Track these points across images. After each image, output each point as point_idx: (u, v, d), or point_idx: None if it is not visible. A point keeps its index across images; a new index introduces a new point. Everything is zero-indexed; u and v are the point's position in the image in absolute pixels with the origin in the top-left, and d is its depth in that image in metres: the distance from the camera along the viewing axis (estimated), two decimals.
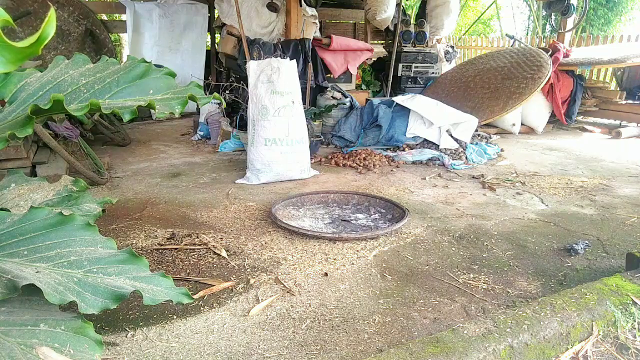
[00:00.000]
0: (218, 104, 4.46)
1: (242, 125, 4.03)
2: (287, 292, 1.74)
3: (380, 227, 2.42)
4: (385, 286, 1.79)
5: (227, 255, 2.03)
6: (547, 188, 3.08)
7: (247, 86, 3.30)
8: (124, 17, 6.18)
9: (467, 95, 5.25)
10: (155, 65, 1.18)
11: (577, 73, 5.53)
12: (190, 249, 2.10)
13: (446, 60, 6.43)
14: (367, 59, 5.29)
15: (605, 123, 5.74)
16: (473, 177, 3.35)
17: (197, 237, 2.21)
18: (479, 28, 13.17)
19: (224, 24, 5.05)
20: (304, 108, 3.41)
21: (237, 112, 4.22)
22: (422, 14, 6.52)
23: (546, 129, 5.30)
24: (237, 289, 1.76)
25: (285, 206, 2.64)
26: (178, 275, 1.85)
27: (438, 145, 3.90)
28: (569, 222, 2.47)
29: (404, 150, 3.94)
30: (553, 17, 6.78)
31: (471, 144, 3.98)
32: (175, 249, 2.10)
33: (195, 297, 1.66)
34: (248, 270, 1.91)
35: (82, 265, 1.11)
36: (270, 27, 4.93)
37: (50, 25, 0.61)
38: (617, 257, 2.05)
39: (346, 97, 4.59)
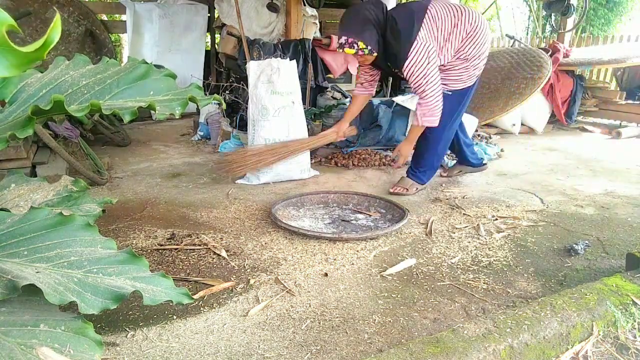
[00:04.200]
0: (218, 104, 4.46)
1: (242, 126, 4.03)
2: (287, 292, 1.74)
3: (380, 227, 2.42)
4: (385, 286, 1.79)
5: (227, 256, 2.03)
6: (547, 188, 3.08)
7: (247, 86, 3.30)
8: (124, 17, 6.18)
9: None
10: (156, 65, 1.18)
11: (577, 73, 5.53)
12: (190, 249, 2.10)
13: None
14: None
15: (605, 123, 5.74)
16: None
17: (197, 237, 2.21)
18: None
19: (224, 24, 5.05)
20: (304, 108, 3.41)
21: (237, 113, 4.21)
22: None
23: (546, 129, 5.30)
24: (237, 289, 1.76)
25: (286, 206, 2.64)
26: (178, 276, 1.85)
27: None
28: (569, 222, 2.47)
29: None
30: (553, 17, 6.78)
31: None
32: (175, 249, 2.10)
33: (195, 297, 1.66)
34: (248, 270, 1.91)
35: (82, 266, 1.11)
36: (270, 28, 4.93)
37: (55, 30, 0.61)
38: (617, 257, 2.05)
39: (346, 97, 4.59)
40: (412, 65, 2.48)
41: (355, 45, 2.44)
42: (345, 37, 2.45)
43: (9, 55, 0.60)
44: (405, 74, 2.53)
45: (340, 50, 2.49)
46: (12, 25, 0.59)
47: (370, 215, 2.58)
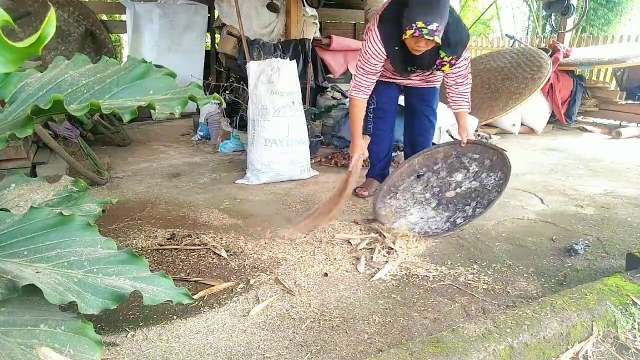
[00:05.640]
0: (218, 104, 4.46)
1: (242, 126, 4.03)
2: (287, 292, 1.74)
3: (488, 186, 2.31)
4: (385, 286, 1.79)
5: (227, 256, 2.03)
6: (547, 188, 3.08)
7: (247, 86, 3.30)
8: (124, 17, 6.18)
9: None
10: (155, 65, 1.18)
11: (577, 73, 5.52)
12: (190, 249, 2.10)
13: None
14: None
15: (605, 123, 5.74)
16: None
17: (197, 237, 2.21)
18: (479, 28, 13.17)
19: (224, 24, 5.05)
20: (304, 108, 3.41)
21: (237, 113, 4.21)
22: None
23: (546, 129, 5.30)
24: (237, 289, 1.76)
25: (384, 200, 2.47)
26: (178, 276, 1.85)
27: None
28: (569, 222, 2.47)
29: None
30: (553, 17, 6.79)
31: None
32: (175, 249, 2.10)
33: (195, 297, 1.66)
34: (248, 270, 1.91)
35: (82, 266, 1.11)
36: (270, 28, 4.93)
37: (50, 25, 0.61)
38: (617, 257, 2.05)
39: (346, 97, 4.59)
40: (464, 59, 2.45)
41: (440, 32, 2.20)
42: (437, 24, 2.19)
43: (4, 51, 0.60)
44: (455, 64, 2.43)
45: (430, 39, 2.19)
46: (8, 21, 0.59)
47: (468, 171, 2.45)
